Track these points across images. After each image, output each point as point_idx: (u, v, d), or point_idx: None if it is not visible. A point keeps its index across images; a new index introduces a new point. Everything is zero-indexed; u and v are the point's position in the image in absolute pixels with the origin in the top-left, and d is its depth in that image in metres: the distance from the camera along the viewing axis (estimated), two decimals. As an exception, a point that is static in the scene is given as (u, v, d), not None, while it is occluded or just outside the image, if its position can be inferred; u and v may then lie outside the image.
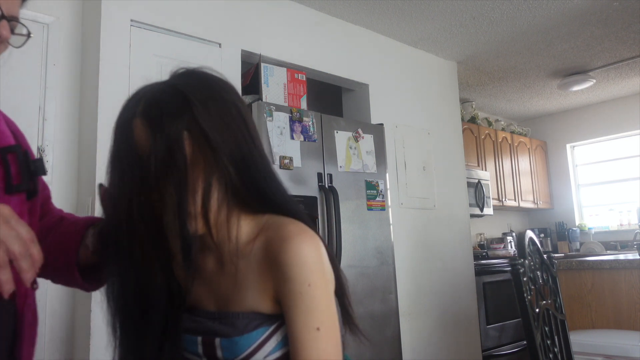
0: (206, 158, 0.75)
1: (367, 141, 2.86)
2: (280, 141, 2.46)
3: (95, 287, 0.92)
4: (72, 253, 0.87)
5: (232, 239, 0.78)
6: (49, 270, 0.82)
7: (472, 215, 4.33)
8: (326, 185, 2.60)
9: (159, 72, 2.16)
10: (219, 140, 0.75)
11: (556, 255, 4.87)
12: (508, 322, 3.94)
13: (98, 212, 2.05)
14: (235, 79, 2.52)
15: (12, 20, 0.79)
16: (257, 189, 0.78)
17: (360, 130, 2.84)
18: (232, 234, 0.78)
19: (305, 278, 0.72)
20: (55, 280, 0.93)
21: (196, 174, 0.74)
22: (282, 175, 2.43)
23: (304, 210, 0.84)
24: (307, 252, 0.73)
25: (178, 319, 0.80)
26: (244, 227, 0.80)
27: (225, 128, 0.76)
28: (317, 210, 2.53)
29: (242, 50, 2.62)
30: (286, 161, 2.46)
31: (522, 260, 1.43)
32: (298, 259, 0.72)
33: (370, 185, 2.82)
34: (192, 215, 0.75)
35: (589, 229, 5.53)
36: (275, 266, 0.74)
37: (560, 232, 5.56)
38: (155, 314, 0.78)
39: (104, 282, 0.82)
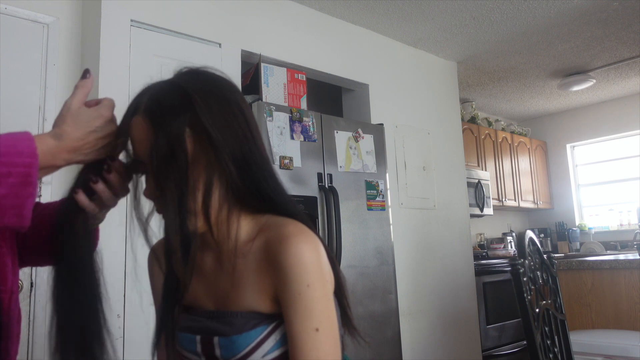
0: (208, 156, 0.75)
1: (367, 141, 2.86)
2: (280, 141, 2.46)
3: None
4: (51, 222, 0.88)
5: (232, 238, 0.78)
6: (32, 247, 0.85)
7: (472, 215, 4.33)
8: (326, 185, 2.60)
9: (159, 72, 2.16)
10: (220, 139, 0.75)
11: (556, 255, 4.87)
12: (508, 322, 3.94)
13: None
14: (235, 79, 2.51)
15: None
16: (258, 189, 0.79)
17: (360, 130, 2.84)
18: (232, 232, 0.78)
19: (304, 279, 0.72)
20: (40, 259, 0.94)
21: (197, 172, 0.75)
22: (282, 175, 2.43)
23: (303, 211, 0.84)
24: (306, 253, 0.73)
25: (174, 315, 0.81)
26: (244, 226, 0.80)
27: (226, 126, 0.76)
28: (317, 210, 2.53)
29: (242, 50, 2.62)
30: (286, 161, 2.46)
31: (522, 260, 1.43)
32: (297, 260, 0.72)
33: (370, 185, 2.82)
34: (193, 212, 0.75)
35: (589, 229, 5.53)
36: (274, 266, 0.74)
37: (560, 232, 5.56)
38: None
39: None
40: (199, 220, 0.76)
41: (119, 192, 0.83)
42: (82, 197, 0.79)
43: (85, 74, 0.81)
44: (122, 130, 0.79)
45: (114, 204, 0.84)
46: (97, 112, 0.77)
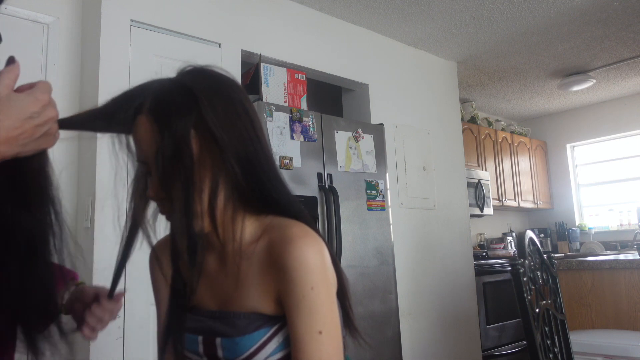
0: (212, 156, 0.75)
1: (367, 141, 2.86)
2: (280, 141, 2.46)
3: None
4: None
5: (237, 239, 0.78)
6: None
7: (472, 215, 4.33)
8: (326, 185, 2.60)
9: (159, 72, 2.16)
10: (225, 139, 0.74)
11: (556, 255, 4.87)
12: (508, 322, 3.94)
13: (98, 212, 2.03)
14: (236, 78, 2.52)
15: None
16: (262, 190, 0.78)
17: (360, 130, 2.84)
18: (237, 233, 0.78)
19: (308, 281, 0.72)
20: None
21: (203, 173, 0.74)
22: (283, 176, 2.43)
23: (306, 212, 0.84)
24: (311, 255, 0.73)
25: (182, 317, 0.80)
26: (248, 227, 0.80)
27: (231, 127, 0.76)
28: (317, 210, 2.53)
29: (242, 50, 2.62)
30: (286, 161, 2.46)
31: (522, 260, 1.43)
32: (301, 262, 0.72)
33: (370, 185, 2.82)
34: (199, 213, 0.75)
35: (589, 229, 5.53)
36: (278, 268, 0.74)
37: (560, 232, 5.56)
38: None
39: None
40: (204, 221, 0.76)
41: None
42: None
43: (10, 61, 0.70)
44: (124, 127, 0.78)
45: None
46: (31, 96, 0.67)
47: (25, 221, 0.75)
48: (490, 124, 5.28)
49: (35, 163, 0.74)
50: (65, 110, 2.30)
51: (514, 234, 5.31)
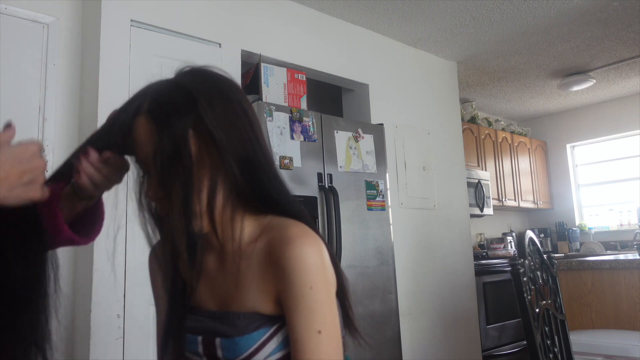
0: (211, 157, 0.75)
1: (367, 141, 2.86)
2: (280, 141, 2.46)
3: (91, 239, 0.93)
4: (55, 209, 0.86)
5: (236, 239, 0.78)
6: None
7: (472, 215, 4.33)
8: (326, 185, 2.60)
9: (159, 72, 2.16)
10: (224, 140, 0.75)
11: (556, 255, 4.87)
12: (508, 322, 3.94)
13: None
14: (235, 79, 2.52)
15: None
16: (261, 190, 0.78)
17: (360, 130, 2.84)
18: (236, 233, 0.78)
19: (307, 280, 0.72)
20: (53, 245, 0.92)
21: (202, 173, 0.75)
22: (282, 175, 2.43)
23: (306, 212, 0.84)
24: (310, 255, 0.73)
25: (182, 317, 0.81)
26: (247, 227, 0.80)
27: (230, 127, 0.76)
28: (317, 210, 2.53)
29: (242, 50, 2.62)
30: (286, 161, 2.46)
31: (522, 260, 1.43)
32: (300, 262, 0.72)
33: (370, 185, 2.82)
34: (198, 213, 0.75)
35: (589, 229, 5.53)
36: (277, 268, 0.74)
37: (560, 232, 5.56)
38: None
39: (97, 232, 0.90)
40: (203, 221, 0.76)
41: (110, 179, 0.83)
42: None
43: (7, 125, 0.74)
44: (123, 128, 0.78)
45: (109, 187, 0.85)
46: (21, 145, 0.71)
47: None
48: (490, 124, 5.28)
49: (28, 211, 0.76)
50: (65, 109, 2.30)
51: (514, 234, 5.31)
